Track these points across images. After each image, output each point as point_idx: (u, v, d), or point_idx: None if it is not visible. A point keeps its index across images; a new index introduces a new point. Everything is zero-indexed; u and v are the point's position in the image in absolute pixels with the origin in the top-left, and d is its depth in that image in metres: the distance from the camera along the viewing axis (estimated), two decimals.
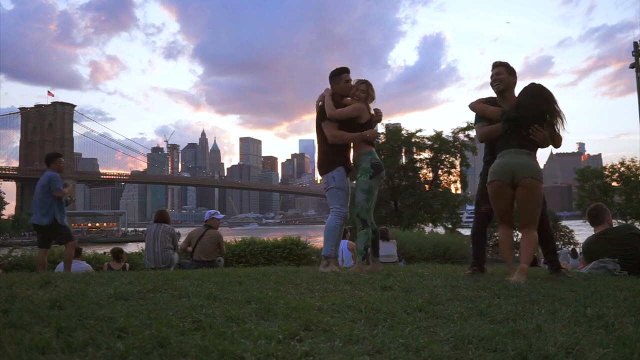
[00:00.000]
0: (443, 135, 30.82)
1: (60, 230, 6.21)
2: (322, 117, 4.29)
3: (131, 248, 7.63)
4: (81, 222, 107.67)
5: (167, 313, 1.85)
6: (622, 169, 34.85)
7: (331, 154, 4.35)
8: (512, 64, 3.93)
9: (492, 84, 3.89)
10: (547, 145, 3.66)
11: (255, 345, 1.42)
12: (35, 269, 7.61)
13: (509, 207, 3.59)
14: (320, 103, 4.38)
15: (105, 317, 1.74)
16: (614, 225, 4.45)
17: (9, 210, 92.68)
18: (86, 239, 72.66)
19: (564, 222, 22.16)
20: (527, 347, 1.45)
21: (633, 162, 34.48)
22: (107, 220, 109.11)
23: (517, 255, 4.09)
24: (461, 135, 30.45)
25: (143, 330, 1.57)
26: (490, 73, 3.93)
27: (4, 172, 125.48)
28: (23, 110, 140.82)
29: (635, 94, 21.48)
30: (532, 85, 3.67)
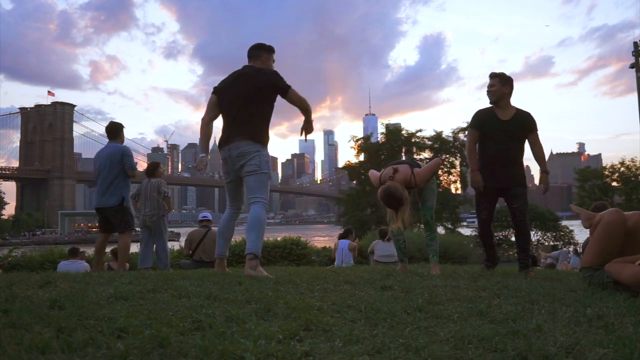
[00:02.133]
0: (443, 135, 30.88)
1: (125, 215, 5.45)
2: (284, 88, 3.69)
3: (131, 248, 7.62)
4: (81, 222, 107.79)
5: (167, 313, 1.85)
6: (622, 169, 34.85)
7: (266, 129, 3.79)
8: (507, 74, 4.26)
9: (487, 94, 4.30)
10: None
11: (255, 345, 1.42)
12: (36, 269, 7.61)
13: None
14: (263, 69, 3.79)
15: (105, 317, 1.74)
16: None
17: (9, 210, 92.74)
18: (86, 239, 72.82)
19: (563, 222, 22.16)
20: (527, 347, 1.45)
21: (633, 162, 34.50)
22: None
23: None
24: (461, 135, 30.51)
25: (143, 330, 1.57)
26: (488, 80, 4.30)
27: (4, 172, 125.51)
28: (23, 110, 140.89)
29: (636, 94, 21.49)
30: None
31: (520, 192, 4.16)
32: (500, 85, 4.22)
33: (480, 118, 4.31)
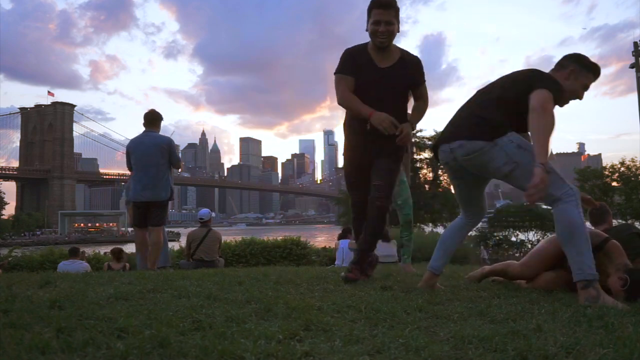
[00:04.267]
0: None
1: (166, 209, 5.23)
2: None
3: (131, 248, 7.66)
4: (81, 222, 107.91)
5: (167, 313, 1.85)
6: (622, 169, 34.85)
7: (501, 110, 2.56)
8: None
9: (375, 35, 2.93)
10: None
11: (255, 345, 1.42)
12: (36, 269, 7.61)
13: None
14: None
15: (105, 317, 1.74)
16: (614, 225, 4.43)
17: (9, 210, 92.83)
18: (86, 239, 72.93)
19: None
20: (527, 347, 1.45)
21: (633, 162, 34.49)
22: (107, 220, 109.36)
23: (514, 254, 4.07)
24: None
25: (143, 330, 1.57)
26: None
27: (4, 172, 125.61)
28: (23, 110, 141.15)
29: (636, 94, 21.50)
30: None
31: (384, 164, 3.01)
32: (397, 22, 2.95)
33: (357, 61, 3.01)
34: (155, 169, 5.04)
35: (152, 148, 5.07)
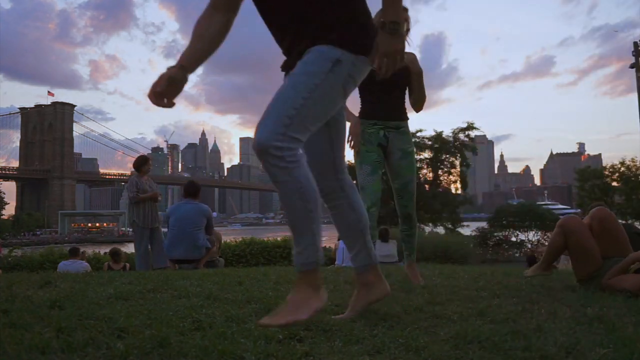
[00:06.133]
0: (443, 135, 30.81)
1: (207, 251, 5.86)
2: None
3: (131, 248, 7.67)
4: (81, 222, 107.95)
5: (167, 313, 1.85)
6: (622, 169, 34.88)
7: None
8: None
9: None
10: None
11: (255, 345, 1.42)
12: (36, 269, 7.61)
13: None
14: None
15: (105, 317, 1.74)
16: None
17: (9, 210, 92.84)
18: (86, 239, 72.98)
19: None
20: (527, 347, 1.45)
21: (633, 162, 34.52)
22: (107, 220, 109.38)
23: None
24: (461, 136, 30.52)
25: (143, 330, 1.57)
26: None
27: (4, 172, 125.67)
28: (23, 110, 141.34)
29: (636, 94, 21.51)
30: None
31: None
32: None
33: None
34: (191, 228, 5.60)
35: (191, 211, 5.70)
